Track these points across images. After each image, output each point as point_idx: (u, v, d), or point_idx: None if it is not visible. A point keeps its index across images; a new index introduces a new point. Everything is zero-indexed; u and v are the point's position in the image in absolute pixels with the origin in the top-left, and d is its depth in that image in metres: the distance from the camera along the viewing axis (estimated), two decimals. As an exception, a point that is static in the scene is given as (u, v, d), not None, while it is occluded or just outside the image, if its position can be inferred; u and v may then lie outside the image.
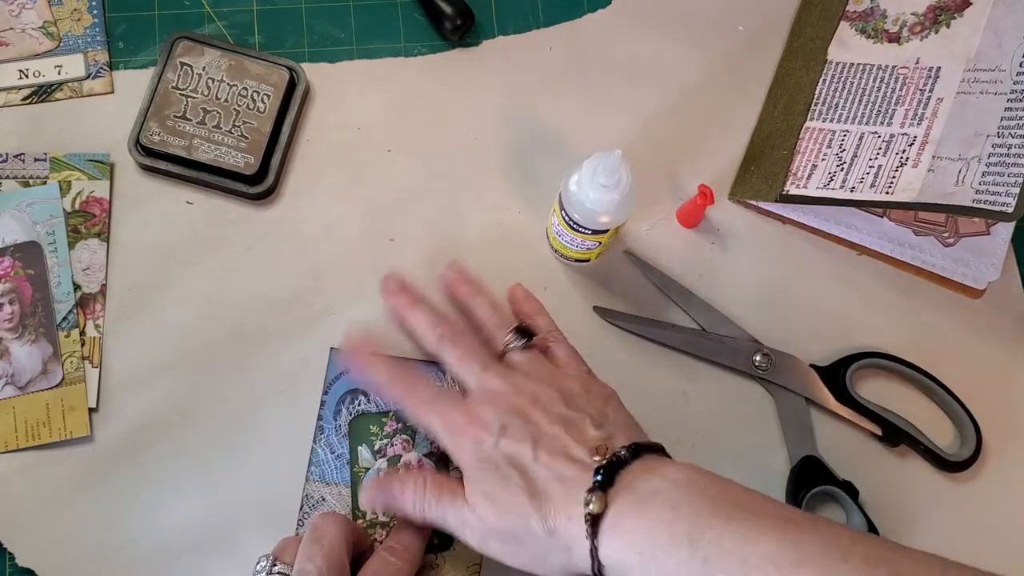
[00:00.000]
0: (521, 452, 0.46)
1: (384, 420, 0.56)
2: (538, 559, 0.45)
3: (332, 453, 0.55)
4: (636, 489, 0.42)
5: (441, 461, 0.55)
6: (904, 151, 0.58)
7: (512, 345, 0.51)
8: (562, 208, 0.54)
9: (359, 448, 0.55)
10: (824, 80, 0.63)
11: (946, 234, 0.60)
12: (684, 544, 0.40)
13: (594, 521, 0.42)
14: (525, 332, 0.51)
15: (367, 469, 0.55)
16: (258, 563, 0.47)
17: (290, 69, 0.60)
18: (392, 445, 0.55)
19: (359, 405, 0.55)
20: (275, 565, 0.47)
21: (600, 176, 0.51)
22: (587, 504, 0.42)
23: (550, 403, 0.47)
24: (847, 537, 0.39)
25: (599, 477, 0.43)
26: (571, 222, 0.54)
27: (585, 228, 0.54)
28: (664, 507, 0.41)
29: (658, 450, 0.46)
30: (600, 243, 0.56)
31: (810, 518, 0.41)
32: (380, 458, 0.55)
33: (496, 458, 0.46)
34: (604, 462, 0.44)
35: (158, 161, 0.58)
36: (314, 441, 0.55)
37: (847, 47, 0.63)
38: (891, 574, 0.37)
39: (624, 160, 0.50)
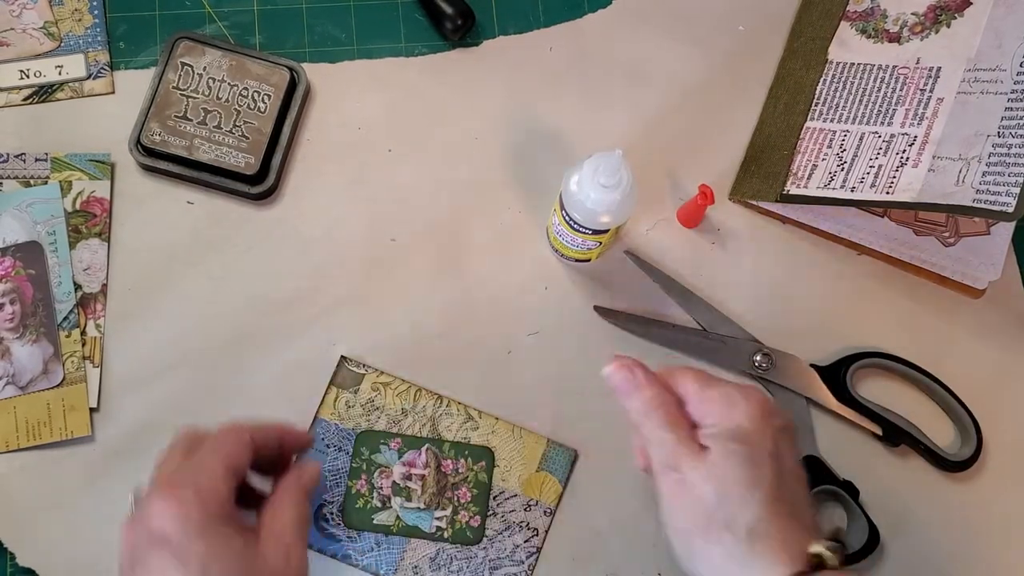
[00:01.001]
0: (788, 459, 0.44)
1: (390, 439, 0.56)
2: (711, 557, 0.43)
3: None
4: None
5: None
6: (904, 151, 0.58)
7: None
8: (563, 208, 0.54)
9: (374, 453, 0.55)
10: (824, 80, 0.63)
11: (946, 234, 0.60)
12: None
13: (819, 566, 0.41)
14: None
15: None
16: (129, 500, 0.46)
17: (291, 69, 0.60)
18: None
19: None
20: (138, 495, 0.45)
21: (601, 176, 0.51)
22: (825, 548, 0.41)
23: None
24: None
25: (835, 542, 0.43)
26: (572, 222, 0.54)
27: (586, 228, 0.53)
28: None
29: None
30: (600, 243, 0.56)
31: None
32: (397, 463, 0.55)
33: (766, 448, 0.44)
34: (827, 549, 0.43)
35: (159, 161, 0.58)
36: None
37: (847, 47, 0.63)
38: None
39: (625, 160, 0.50)
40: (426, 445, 0.55)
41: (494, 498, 0.55)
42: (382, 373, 0.56)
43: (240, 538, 0.43)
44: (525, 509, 0.55)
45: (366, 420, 0.56)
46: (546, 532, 0.55)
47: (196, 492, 0.42)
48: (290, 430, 0.50)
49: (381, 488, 0.55)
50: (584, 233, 0.54)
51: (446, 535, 0.54)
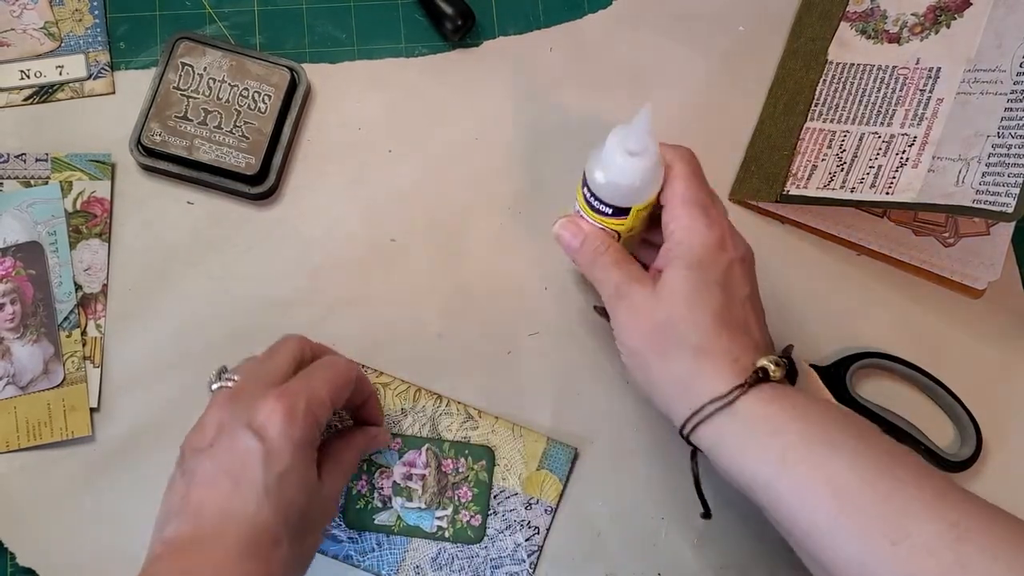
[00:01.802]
0: (741, 288, 0.47)
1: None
2: (661, 373, 0.47)
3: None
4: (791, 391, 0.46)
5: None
6: (904, 151, 0.58)
7: None
8: (584, 186, 0.50)
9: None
10: (824, 80, 0.63)
11: (946, 234, 0.60)
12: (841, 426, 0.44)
13: (763, 377, 0.45)
14: None
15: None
16: (210, 375, 0.49)
17: (291, 69, 0.60)
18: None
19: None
20: (224, 373, 0.48)
21: (630, 141, 0.48)
22: (767, 360, 0.45)
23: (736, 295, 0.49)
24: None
25: (781, 357, 0.46)
26: (594, 202, 0.50)
27: (608, 206, 0.49)
28: (829, 407, 0.46)
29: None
30: (620, 233, 0.52)
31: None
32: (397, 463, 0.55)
33: (715, 276, 0.47)
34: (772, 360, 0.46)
35: (159, 161, 0.58)
36: None
37: (847, 47, 0.63)
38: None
39: (651, 125, 0.48)
40: (426, 445, 0.55)
41: (495, 497, 0.55)
42: (381, 374, 0.56)
43: (314, 467, 0.46)
44: (526, 508, 0.55)
45: None
46: (547, 530, 0.55)
47: (306, 411, 0.45)
48: (375, 401, 0.54)
49: (382, 488, 0.55)
50: (606, 216, 0.50)
51: (447, 535, 0.54)
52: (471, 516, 0.55)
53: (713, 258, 0.47)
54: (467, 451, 0.55)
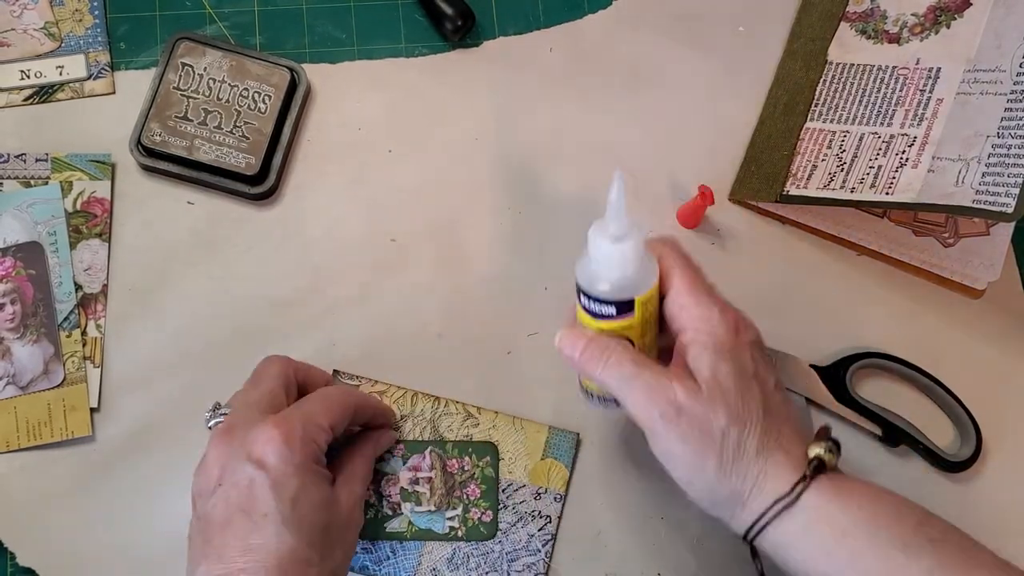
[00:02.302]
0: (769, 374, 0.45)
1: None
2: (701, 465, 0.43)
3: None
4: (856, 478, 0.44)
5: None
6: (904, 152, 0.58)
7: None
8: (579, 297, 0.46)
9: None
10: (824, 81, 0.63)
11: (946, 234, 0.60)
12: (911, 522, 0.42)
13: (819, 467, 0.43)
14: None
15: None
16: (206, 413, 0.49)
17: (291, 70, 0.60)
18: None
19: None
20: (218, 408, 0.48)
21: (612, 225, 0.43)
22: (821, 450, 0.43)
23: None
24: None
25: (831, 441, 0.44)
26: (595, 306, 0.45)
27: (610, 305, 0.44)
28: (892, 498, 0.43)
29: None
30: (633, 340, 0.46)
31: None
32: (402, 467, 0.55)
33: (748, 365, 0.44)
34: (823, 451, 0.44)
35: (159, 161, 0.58)
36: None
37: (847, 48, 0.63)
38: None
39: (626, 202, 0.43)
40: (429, 447, 0.55)
41: (503, 491, 0.55)
42: (376, 382, 0.56)
43: (325, 483, 0.46)
44: (535, 498, 0.55)
45: None
46: (559, 518, 0.55)
47: (303, 435, 0.45)
48: (382, 410, 0.54)
49: (390, 496, 0.54)
50: (608, 320, 0.45)
51: (460, 534, 0.54)
52: (482, 513, 0.55)
53: (738, 345, 0.44)
54: (470, 449, 0.55)
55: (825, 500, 0.42)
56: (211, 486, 0.44)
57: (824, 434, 0.45)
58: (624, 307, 0.44)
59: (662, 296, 0.46)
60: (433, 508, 0.54)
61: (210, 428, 0.48)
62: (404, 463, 0.55)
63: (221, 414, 0.48)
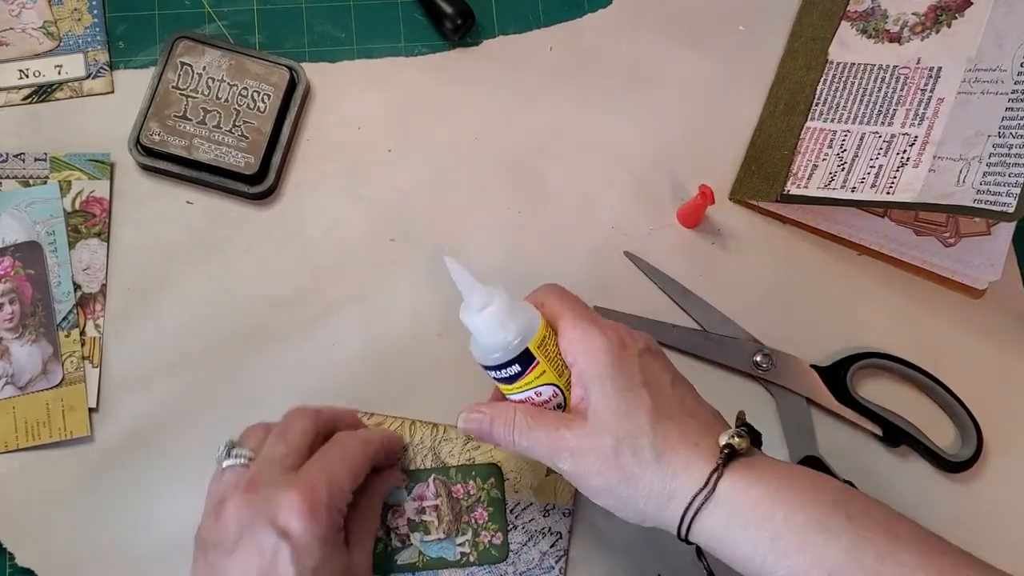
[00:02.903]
0: (662, 376, 0.46)
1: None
2: (613, 488, 0.44)
3: None
4: (766, 460, 0.44)
5: None
6: (905, 151, 0.58)
7: None
8: (488, 372, 0.47)
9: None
10: (825, 80, 0.63)
11: (947, 234, 0.60)
12: (828, 501, 0.41)
13: (730, 454, 0.42)
14: None
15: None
16: (219, 449, 0.48)
17: (290, 69, 0.60)
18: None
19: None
20: (233, 448, 0.47)
21: (472, 300, 0.45)
22: (729, 437, 0.43)
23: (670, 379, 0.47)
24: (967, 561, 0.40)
25: (741, 427, 0.44)
26: (501, 372, 0.46)
27: (512, 363, 0.45)
28: (803, 475, 0.43)
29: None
30: (558, 386, 0.46)
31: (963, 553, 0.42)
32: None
33: (635, 378, 0.45)
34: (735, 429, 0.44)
35: (158, 161, 0.58)
36: None
37: (848, 47, 0.63)
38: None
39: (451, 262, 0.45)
40: (432, 475, 0.55)
41: (511, 511, 0.54)
42: (372, 415, 0.56)
43: (344, 550, 0.46)
44: (544, 515, 0.55)
45: None
46: (569, 533, 0.54)
47: (328, 501, 0.44)
48: (393, 448, 0.53)
49: (397, 528, 0.54)
50: (523, 375, 0.46)
51: (472, 559, 0.54)
52: (492, 535, 0.54)
53: (622, 359, 0.45)
54: (474, 472, 0.55)
55: (743, 487, 0.42)
56: (228, 541, 0.44)
57: (738, 421, 0.46)
58: (524, 359, 0.45)
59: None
60: (442, 536, 0.54)
61: (222, 467, 0.47)
62: (409, 493, 0.54)
63: (237, 455, 0.47)
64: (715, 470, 0.42)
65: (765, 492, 0.41)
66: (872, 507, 0.42)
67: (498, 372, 0.46)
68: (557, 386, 0.46)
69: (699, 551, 0.45)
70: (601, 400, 0.44)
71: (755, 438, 0.45)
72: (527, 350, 0.45)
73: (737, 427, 0.44)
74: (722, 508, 0.42)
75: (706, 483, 0.42)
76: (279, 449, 0.47)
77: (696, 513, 0.42)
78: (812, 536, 0.40)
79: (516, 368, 0.45)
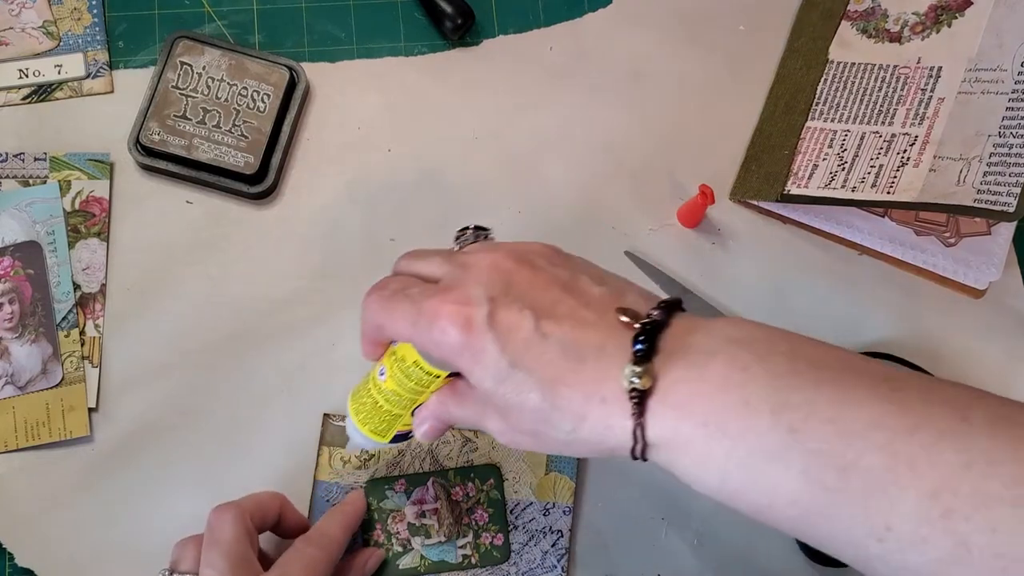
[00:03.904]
0: (520, 324, 0.37)
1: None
2: (564, 447, 0.38)
3: None
4: (688, 352, 0.36)
5: None
6: (905, 151, 0.58)
7: (467, 238, 0.44)
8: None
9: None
10: (825, 80, 0.63)
11: (947, 234, 0.60)
12: (764, 412, 0.33)
13: (641, 398, 0.35)
14: (481, 228, 0.44)
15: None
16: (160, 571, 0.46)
17: (290, 68, 0.60)
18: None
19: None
20: (173, 575, 0.46)
21: (354, 441, 0.47)
22: (630, 380, 0.35)
23: (534, 264, 0.39)
24: (963, 394, 0.33)
25: (640, 345, 0.36)
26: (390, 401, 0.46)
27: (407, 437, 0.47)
28: (731, 369, 0.34)
29: (682, 307, 0.39)
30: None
31: (912, 375, 0.35)
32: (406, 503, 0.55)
33: (486, 348, 0.37)
34: (639, 326, 0.36)
35: (158, 161, 0.58)
36: None
37: (848, 47, 0.63)
38: (1020, 437, 0.31)
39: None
40: (431, 478, 0.54)
41: (511, 512, 0.54)
42: None
43: None
44: (544, 514, 0.55)
45: (364, 470, 0.55)
46: (570, 531, 0.54)
47: None
48: (357, 518, 0.52)
49: (398, 533, 0.54)
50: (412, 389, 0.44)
51: (474, 561, 0.53)
52: (493, 536, 0.54)
53: (473, 352, 0.38)
54: (472, 474, 0.55)
55: (670, 430, 0.35)
56: None
57: (634, 321, 0.37)
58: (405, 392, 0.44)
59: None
60: (443, 539, 0.53)
61: None
62: (408, 497, 0.54)
63: None
64: (636, 426, 0.35)
65: (695, 430, 0.35)
66: (817, 408, 0.33)
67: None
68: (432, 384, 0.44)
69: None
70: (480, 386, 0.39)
71: (659, 323, 0.37)
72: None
73: (633, 351, 0.36)
74: (664, 456, 0.36)
75: (634, 443, 0.36)
76: (219, 564, 0.44)
77: (645, 458, 0.37)
78: (760, 467, 0.34)
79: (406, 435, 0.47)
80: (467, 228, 0.45)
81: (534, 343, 0.37)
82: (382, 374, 0.44)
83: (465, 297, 0.38)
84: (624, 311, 0.37)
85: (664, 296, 0.39)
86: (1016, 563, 0.30)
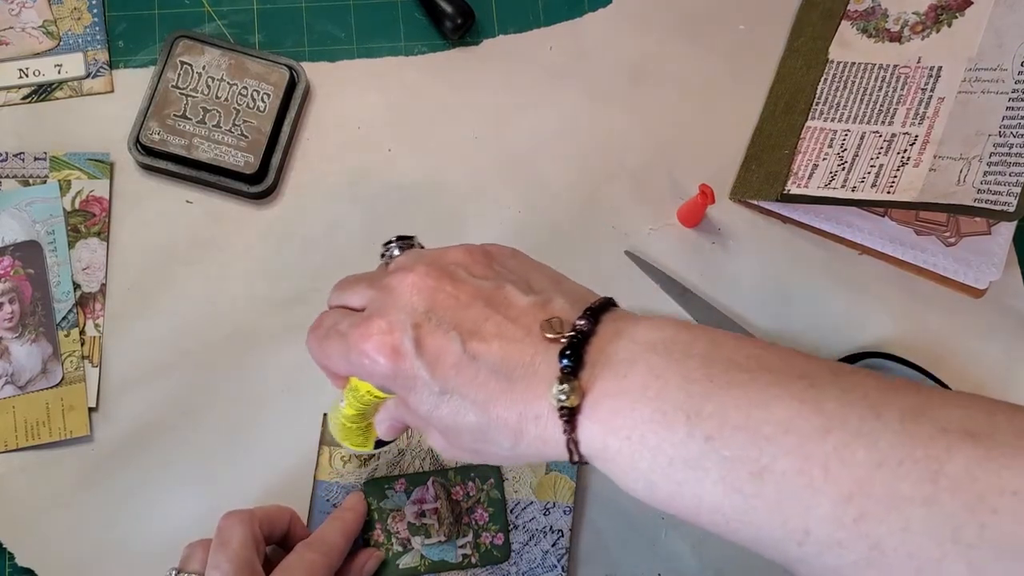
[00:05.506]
0: (448, 348, 0.37)
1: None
2: (506, 460, 0.39)
3: None
4: (610, 363, 0.35)
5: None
6: (905, 150, 0.58)
7: (391, 252, 0.44)
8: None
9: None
10: (825, 79, 0.63)
11: (947, 234, 0.60)
12: (680, 421, 0.33)
13: (571, 415, 0.35)
14: (404, 237, 0.45)
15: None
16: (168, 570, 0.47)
17: (290, 68, 0.60)
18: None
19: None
20: (180, 574, 0.46)
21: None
22: (558, 399, 0.35)
23: (455, 277, 0.39)
24: (875, 387, 0.32)
25: (567, 361, 0.35)
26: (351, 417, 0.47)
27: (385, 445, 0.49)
28: (648, 377, 0.34)
29: (612, 305, 0.39)
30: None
31: (827, 367, 0.34)
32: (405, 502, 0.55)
33: (416, 383, 0.38)
34: (565, 340, 0.36)
35: (158, 160, 0.58)
36: None
37: (848, 46, 0.63)
38: (936, 430, 0.30)
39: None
40: (431, 478, 0.54)
41: (511, 511, 0.54)
42: None
43: None
44: (544, 514, 0.55)
45: (365, 470, 0.55)
46: (571, 531, 0.54)
47: None
48: (356, 526, 0.52)
49: (398, 532, 0.54)
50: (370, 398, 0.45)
51: (474, 560, 0.53)
52: (493, 536, 0.54)
53: (384, 367, 0.38)
54: (473, 473, 0.55)
55: (599, 444, 0.35)
56: None
57: (560, 332, 0.37)
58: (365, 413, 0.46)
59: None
60: (443, 539, 0.53)
61: None
62: (408, 497, 0.54)
63: None
64: (569, 441, 0.35)
65: (623, 442, 0.35)
66: (730, 411, 0.33)
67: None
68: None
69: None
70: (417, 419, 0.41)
71: (585, 333, 0.37)
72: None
73: (560, 367, 0.36)
74: (599, 464, 0.36)
75: (571, 458, 0.36)
76: (225, 566, 0.44)
77: (580, 458, 0.36)
78: (678, 474, 0.34)
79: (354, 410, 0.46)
80: (391, 241, 0.45)
81: (464, 366, 0.37)
82: (343, 401, 0.46)
83: (389, 325, 0.38)
84: (549, 324, 0.37)
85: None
86: (929, 563, 0.30)
